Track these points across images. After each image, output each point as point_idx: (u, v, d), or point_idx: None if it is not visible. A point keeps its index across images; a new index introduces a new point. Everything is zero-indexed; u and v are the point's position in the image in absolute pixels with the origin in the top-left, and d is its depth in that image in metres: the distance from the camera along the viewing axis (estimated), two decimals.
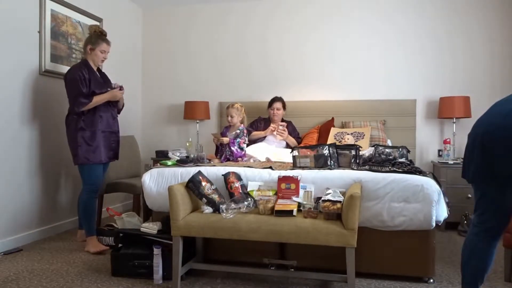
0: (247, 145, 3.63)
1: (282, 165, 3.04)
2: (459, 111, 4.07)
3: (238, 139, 3.49)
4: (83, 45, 3.35)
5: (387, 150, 2.94)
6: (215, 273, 2.72)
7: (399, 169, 2.67)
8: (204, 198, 2.52)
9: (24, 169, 3.41)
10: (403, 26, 4.47)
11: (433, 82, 4.41)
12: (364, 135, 3.96)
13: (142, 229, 2.72)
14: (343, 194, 2.45)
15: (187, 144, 4.14)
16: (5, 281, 2.58)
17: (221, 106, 4.87)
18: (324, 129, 4.22)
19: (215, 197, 2.55)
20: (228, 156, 3.45)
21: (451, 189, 3.80)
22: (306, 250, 2.57)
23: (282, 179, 2.61)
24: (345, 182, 2.61)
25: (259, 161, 3.39)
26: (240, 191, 2.67)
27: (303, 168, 2.84)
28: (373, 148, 3.03)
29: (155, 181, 2.95)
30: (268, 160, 3.42)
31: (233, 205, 2.47)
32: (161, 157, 4.40)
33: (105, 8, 4.44)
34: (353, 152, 2.90)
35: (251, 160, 3.42)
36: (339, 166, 2.87)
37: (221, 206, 2.47)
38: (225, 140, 3.47)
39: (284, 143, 4.05)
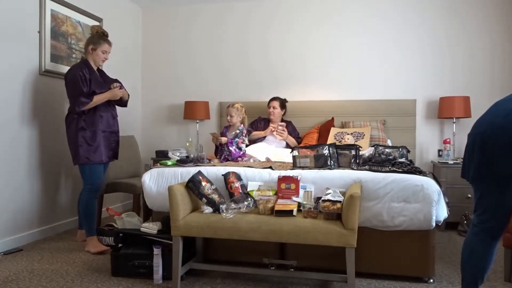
0: (247, 145, 3.63)
1: (282, 165, 3.04)
2: (459, 111, 4.07)
3: (237, 139, 3.48)
4: (84, 45, 3.35)
5: (387, 150, 2.93)
6: (215, 273, 2.72)
7: (399, 169, 2.67)
8: (204, 198, 2.52)
9: (24, 169, 3.41)
10: (403, 26, 4.47)
11: (433, 82, 4.41)
12: (364, 135, 3.96)
13: (142, 229, 2.72)
14: (343, 194, 2.45)
15: (187, 144, 4.15)
16: (5, 281, 2.58)
17: (221, 106, 4.87)
18: (324, 129, 4.22)
19: (215, 197, 2.55)
20: (226, 156, 3.45)
21: (451, 189, 3.80)
22: (306, 250, 2.57)
23: (282, 179, 2.61)
24: (345, 182, 2.61)
25: (259, 161, 3.39)
26: (240, 191, 2.67)
27: (303, 168, 2.84)
28: (373, 148, 3.02)
29: (155, 181, 2.95)
30: (268, 160, 3.42)
31: (233, 205, 2.46)
32: (161, 157, 4.40)
33: (105, 8, 4.44)
34: (353, 152, 2.90)
35: (251, 160, 3.42)
36: (339, 166, 2.87)
37: (221, 206, 2.47)
38: (223, 139, 3.47)
39: (284, 143, 4.04)
